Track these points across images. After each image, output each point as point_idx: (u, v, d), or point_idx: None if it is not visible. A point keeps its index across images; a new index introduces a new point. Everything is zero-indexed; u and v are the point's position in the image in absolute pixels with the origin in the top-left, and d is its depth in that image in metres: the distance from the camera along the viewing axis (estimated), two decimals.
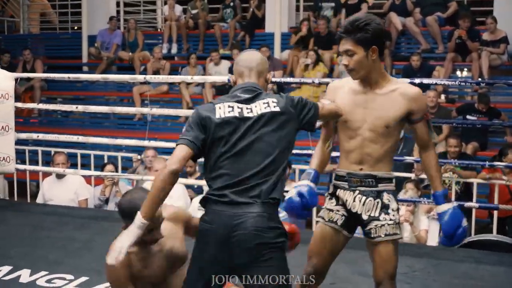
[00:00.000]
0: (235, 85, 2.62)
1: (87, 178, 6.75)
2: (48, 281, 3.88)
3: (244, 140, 2.44)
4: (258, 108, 2.48)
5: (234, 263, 2.41)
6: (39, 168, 7.10)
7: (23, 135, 6.17)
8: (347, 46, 2.70)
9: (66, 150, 7.25)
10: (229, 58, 10.01)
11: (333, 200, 2.89)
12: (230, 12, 11.35)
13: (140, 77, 7.44)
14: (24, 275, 3.96)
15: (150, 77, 7.75)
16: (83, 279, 3.90)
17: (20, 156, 6.52)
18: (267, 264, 2.40)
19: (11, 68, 9.79)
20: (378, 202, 2.78)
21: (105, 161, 7.27)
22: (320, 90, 8.96)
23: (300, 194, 2.82)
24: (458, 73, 10.13)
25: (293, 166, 6.73)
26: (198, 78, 7.98)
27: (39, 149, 8.08)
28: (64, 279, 3.90)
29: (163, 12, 12.70)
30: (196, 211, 6.02)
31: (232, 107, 2.48)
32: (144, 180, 6.33)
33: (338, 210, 2.87)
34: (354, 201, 2.81)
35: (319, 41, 9.94)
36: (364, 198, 2.80)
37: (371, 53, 2.69)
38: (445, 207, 2.84)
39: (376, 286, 2.86)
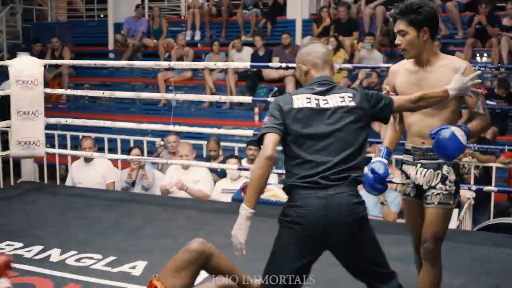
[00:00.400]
0: (306, 75, 2.67)
1: (114, 162, 6.81)
2: (77, 260, 3.91)
3: (324, 129, 2.51)
4: (334, 101, 2.55)
5: (329, 241, 2.50)
6: (68, 152, 7.18)
7: (52, 120, 6.21)
8: (400, 26, 2.86)
9: (93, 135, 7.32)
10: (251, 44, 9.99)
11: (403, 175, 3.07)
12: None
13: (164, 64, 7.46)
14: (54, 255, 4.01)
15: (174, 64, 7.75)
16: (110, 258, 3.93)
17: (49, 141, 6.57)
18: (362, 237, 2.53)
19: (40, 56, 9.88)
20: (438, 174, 2.91)
21: (131, 145, 7.31)
22: (340, 76, 8.92)
23: (372, 170, 2.97)
24: (478, 58, 10.00)
25: None
26: (221, 64, 7.99)
27: (68, 133, 8.16)
28: (93, 258, 3.93)
29: (186, 0, 12.69)
30: (219, 194, 6.06)
31: (310, 98, 2.55)
32: (169, 164, 6.39)
33: (408, 184, 3.03)
34: (416, 174, 2.96)
35: (339, 28, 9.86)
36: (425, 170, 2.93)
37: (422, 34, 2.82)
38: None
39: (422, 245, 2.95)
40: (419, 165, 2.95)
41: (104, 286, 3.50)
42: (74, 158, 6.99)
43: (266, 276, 2.60)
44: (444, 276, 3.54)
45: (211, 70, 9.73)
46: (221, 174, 6.53)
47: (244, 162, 6.29)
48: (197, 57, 10.48)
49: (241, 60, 9.48)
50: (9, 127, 5.89)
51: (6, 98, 5.89)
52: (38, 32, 12.74)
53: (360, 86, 8.56)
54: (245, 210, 2.48)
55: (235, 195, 5.69)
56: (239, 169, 5.83)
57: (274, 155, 2.46)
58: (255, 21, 10.93)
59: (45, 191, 5.94)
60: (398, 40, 2.89)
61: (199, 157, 6.99)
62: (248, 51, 9.88)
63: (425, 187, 2.93)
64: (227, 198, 5.82)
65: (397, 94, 2.97)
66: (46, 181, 7.46)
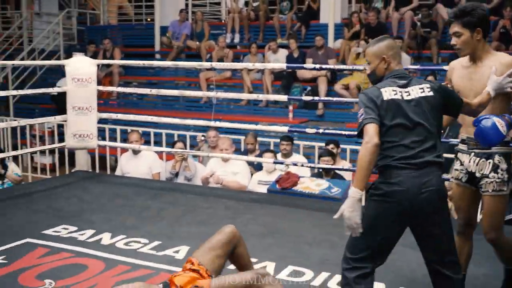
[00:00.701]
0: (388, 68, 2.72)
1: (159, 154, 6.88)
2: (126, 244, 3.95)
3: (410, 117, 2.59)
4: (415, 92, 2.64)
5: (416, 218, 2.61)
6: (118, 144, 7.27)
7: (104, 115, 6.29)
8: (455, 28, 2.96)
9: (140, 129, 7.41)
10: (286, 47, 9.97)
11: (458, 162, 3.15)
12: (287, 4, 11.32)
13: (207, 64, 7.51)
14: (105, 238, 4.06)
15: (216, 64, 7.79)
16: (156, 243, 3.97)
17: (101, 134, 6.68)
18: (444, 213, 2.68)
19: (93, 56, 10.02)
20: (489, 163, 2.99)
21: (175, 139, 7.38)
22: None
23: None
24: None
25: (343, 145, 6.70)
26: (259, 65, 8.00)
27: (117, 127, 8.27)
28: (140, 242, 3.97)
29: (227, 5, 12.73)
30: (256, 185, 6.08)
31: (395, 91, 2.62)
32: (210, 157, 6.42)
33: (462, 170, 3.12)
34: (469, 162, 3.06)
35: (369, 32, 9.75)
36: (477, 159, 3.02)
37: (476, 34, 2.93)
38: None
39: (484, 235, 3.09)
40: (472, 154, 3.05)
41: (150, 268, 3.52)
42: (123, 150, 7.09)
43: (354, 246, 2.66)
44: (469, 266, 3.49)
45: (249, 70, 9.74)
46: (257, 167, 6.54)
47: (279, 156, 6.29)
48: (236, 58, 10.50)
49: (277, 61, 9.47)
50: (65, 121, 5.99)
51: (63, 95, 5.99)
52: (91, 34, 12.93)
53: None
54: (356, 192, 2.51)
55: (270, 187, 5.69)
56: (275, 162, 5.83)
57: (379, 142, 2.52)
58: (290, 25, 10.91)
59: (97, 179, 6.01)
60: (454, 41, 2.98)
61: (237, 151, 7.02)
62: (283, 53, 9.86)
63: (477, 174, 3.02)
64: (263, 189, 5.83)
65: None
66: (97, 171, 7.58)
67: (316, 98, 8.17)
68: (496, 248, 3.13)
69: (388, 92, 2.61)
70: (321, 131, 6.09)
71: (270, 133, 7.65)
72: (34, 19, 13.19)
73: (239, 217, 4.67)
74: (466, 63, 3.09)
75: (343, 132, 5.82)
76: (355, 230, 2.55)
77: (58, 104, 9.97)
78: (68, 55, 10.25)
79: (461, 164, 3.13)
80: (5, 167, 6.41)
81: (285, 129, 5.78)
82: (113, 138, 8.31)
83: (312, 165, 5.99)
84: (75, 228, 4.26)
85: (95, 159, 7.76)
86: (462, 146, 3.14)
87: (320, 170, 5.97)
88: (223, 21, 13.41)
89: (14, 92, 6.30)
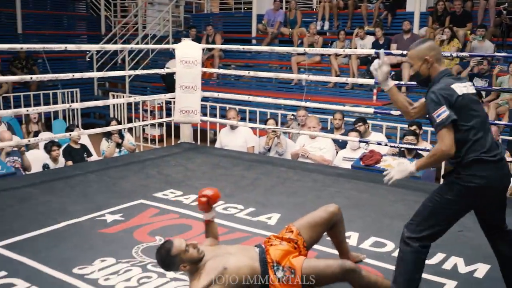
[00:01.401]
0: (431, 68, 2.59)
1: (254, 130, 6.94)
2: (224, 209, 4.02)
3: (479, 110, 2.53)
4: (470, 88, 2.54)
5: (490, 202, 2.60)
6: (217, 120, 7.40)
7: (206, 94, 6.41)
8: None
9: (237, 107, 7.49)
10: (372, 34, 9.67)
11: None
12: None
13: (300, 49, 7.43)
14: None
15: (308, 49, 7.69)
16: (251, 209, 4.02)
17: (202, 110, 6.82)
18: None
19: (196, 40, 10.20)
20: None
21: (268, 116, 7.40)
22: (453, 63, 8.42)
23: None
24: None
25: (424, 127, 6.47)
26: (348, 51, 7.83)
27: (217, 105, 8.42)
28: (236, 208, 4.04)
29: None
30: (341, 161, 6.00)
31: (464, 86, 2.51)
32: (299, 134, 6.40)
33: None
34: None
35: (454, 19, 9.29)
36: None
37: None
38: None
39: None
40: None
41: (245, 231, 3.57)
42: (222, 125, 7.21)
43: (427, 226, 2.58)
44: None
45: (337, 55, 9.57)
46: (342, 144, 6.44)
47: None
48: (325, 44, 10.33)
49: (364, 47, 9.25)
50: (173, 98, 6.16)
51: (171, 75, 6.14)
52: (196, 21, 13.15)
53: (471, 73, 8.05)
54: (413, 169, 2.56)
55: (354, 163, 5.60)
56: (360, 141, 5.72)
57: (453, 153, 2.45)
58: (377, 13, 10.58)
59: (199, 150, 6.14)
60: None
61: (324, 129, 6.95)
62: (370, 39, 9.58)
63: None
64: (348, 165, 5.74)
65: None
66: (199, 143, 7.76)
67: (402, 82, 7.90)
68: None
69: (459, 88, 2.48)
70: None
71: (355, 113, 7.51)
72: (148, 8, 13.58)
73: (325, 189, 4.64)
74: None
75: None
76: (393, 180, 2.61)
77: (167, 83, 10.29)
78: (176, 40, 10.52)
79: None
80: (122, 137, 6.71)
81: (370, 110, 5.64)
82: (213, 115, 8.48)
83: (395, 144, 5.83)
84: (181, 193, 4.39)
85: (197, 132, 7.94)
86: None
87: (403, 149, 5.80)
88: (314, 9, 13.23)
89: (130, 72, 6.55)
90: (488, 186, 2.47)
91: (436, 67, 2.59)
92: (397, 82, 7.77)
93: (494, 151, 2.48)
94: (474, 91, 2.54)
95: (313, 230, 2.82)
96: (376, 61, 2.83)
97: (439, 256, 3.22)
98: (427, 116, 2.57)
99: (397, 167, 2.59)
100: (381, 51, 2.93)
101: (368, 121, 6.65)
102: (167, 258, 2.53)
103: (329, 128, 7.06)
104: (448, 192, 2.54)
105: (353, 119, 7.23)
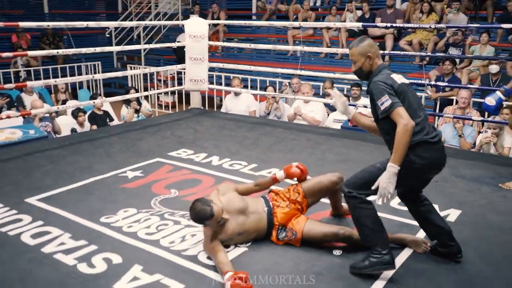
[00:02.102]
0: (372, 63, 2.46)
1: (255, 96, 6.88)
2: (230, 165, 4.03)
3: (415, 97, 2.44)
4: (404, 79, 2.44)
5: (428, 181, 2.56)
6: (223, 87, 7.33)
7: (213, 64, 6.34)
8: None
9: (240, 76, 7.41)
10: (360, 9, 9.47)
11: None
12: None
13: (295, 24, 7.29)
14: (214, 160, 4.16)
15: (303, 24, 7.55)
16: (253, 165, 4.03)
17: (209, 79, 6.75)
18: None
19: (202, 16, 9.98)
20: None
21: (267, 84, 7.34)
22: (431, 34, 8.27)
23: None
24: None
25: None
26: (339, 24, 7.71)
27: (222, 74, 8.33)
28: (241, 164, 4.05)
29: None
30: (331, 122, 5.97)
31: (400, 77, 2.43)
32: (294, 99, 6.35)
33: None
34: None
35: None
36: None
37: None
38: None
39: None
40: None
41: None
42: (227, 92, 7.15)
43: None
44: None
45: (328, 28, 9.40)
46: (332, 108, 6.39)
47: (351, 100, 6.13)
48: (317, 19, 10.14)
49: (352, 21, 9.08)
50: (184, 69, 6.09)
51: (182, 48, 6.05)
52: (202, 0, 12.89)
53: (447, 42, 7.91)
54: (394, 167, 2.27)
55: (344, 124, 5.58)
56: (349, 105, 5.66)
57: (414, 123, 2.29)
58: None
59: (207, 115, 6.11)
60: None
61: (316, 95, 6.89)
62: (357, 14, 9.40)
63: None
64: (337, 126, 5.72)
65: None
66: (207, 108, 7.73)
67: (385, 52, 7.79)
68: None
69: (397, 78, 2.39)
70: None
71: (344, 80, 7.43)
72: None
73: (317, 147, 4.63)
74: None
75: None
76: (385, 198, 2.30)
77: (177, 55, 10.16)
78: (185, 17, 10.33)
79: None
80: (140, 104, 6.67)
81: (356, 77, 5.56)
82: (218, 83, 8.40)
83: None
84: (192, 152, 4.39)
85: (205, 99, 7.89)
86: None
87: None
88: None
89: (146, 46, 6.43)
90: (429, 166, 2.39)
91: (376, 61, 2.47)
92: (386, 52, 7.78)
93: (433, 133, 2.38)
94: (407, 81, 2.44)
95: (317, 195, 2.82)
96: (335, 94, 2.70)
97: None
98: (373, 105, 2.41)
99: (382, 181, 2.29)
100: (334, 91, 2.80)
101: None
102: (201, 220, 2.50)
103: (321, 94, 7.00)
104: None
105: (343, 85, 7.18)
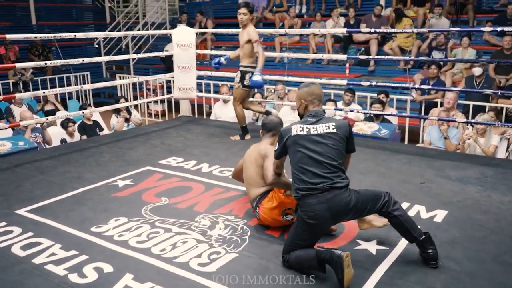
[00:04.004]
0: (306, 108, 2.63)
1: None
2: (220, 171, 4.03)
3: (309, 148, 2.47)
4: (321, 128, 2.50)
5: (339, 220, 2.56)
6: (211, 95, 7.33)
7: (201, 73, 6.33)
8: None
9: (228, 83, 7.40)
10: (345, 15, 9.55)
11: None
12: None
13: (281, 31, 7.31)
14: (204, 167, 4.14)
15: (289, 30, 7.58)
16: None
17: (198, 87, 6.74)
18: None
19: (189, 25, 9.98)
20: None
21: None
22: (411, 38, 8.38)
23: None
24: None
25: (390, 95, 6.47)
26: (324, 30, 7.77)
27: (211, 82, 8.32)
28: (230, 170, 3.94)
29: None
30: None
31: (302, 127, 2.52)
32: (283, 105, 6.36)
33: None
34: None
35: (415, 0, 9.23)
36: None
37: None
38: None
39: None
40: None
41: (239, 190, 3.57)
42: (215, 100, 7.15)
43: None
44: (496, 192, 3.33)
45: (314, 35, 9.45)
46: None
47: (339, 104, 6.16)
48: (303, 26, 10.19)
49: (337, 27, 9.15)
50: (172, 77, 6.08)
51: (170, 57, 6.04)
52: (189, 9, 12.87)
53: (430, 46, 7.99)
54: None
55: None
56: (335, 109, 5.70)
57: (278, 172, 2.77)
58: None
59: (196, 122, 6.09)
60: None
61: None
62: (342, 20, 9.48)
63: None
64: None
65: None
66: (196, 116, 7.71)
67: (370, 56, 7.87)
68: None
69: (296, 128, 2.52)
70: (374, 83, 5.87)
71: (330, 85, 7.47)
72: None
73: None
74: None
75: (391, 84, 5.61)
76: None
77: (166, 64, 10.14)
78: (173, 26, 10.30)
79: None
80: (130, 113, 6.64)
81: (344, 82, 5.61)
82: (207, 91, 8.38)
83: (366, 111, 5.83)
84: (182, 159, 4.37)
85: (194, 106, 7.88)
86: None
87: (372, 115, 5.80)
88: None
89: (134, 56, 6.39)
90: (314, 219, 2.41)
91: (309, 108, 2.62)
92: (370, 56, 7.86)
93: (316, 184, 2.41)
94: (318, 132, 2.48)
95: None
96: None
97: (404, 205, 3.25)
98: None
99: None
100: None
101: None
102: (274, 128, 3.10)
103: None
104: (298, 225, 2.50)
105: (330, 91, 7.21)
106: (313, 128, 2.51)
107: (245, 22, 4.76)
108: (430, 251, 2.48)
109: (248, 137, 5.08)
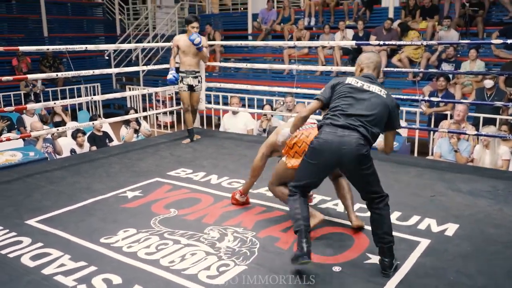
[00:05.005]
0: (361, 71, 2.76)
1: (252, 114, 6.90)
2: (229, 183, 4.01)
3: (359, 97, 2.60)
4: (373, 88, 2.62)
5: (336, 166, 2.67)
6: (220, 107, 7.35)
7: (210, 84, 6.36)
8: None
9: (238, 95, 7.43)
10: (353, 27, 9.58)
11: None
12: None
13: (290, 43, 7.35)
14: (213, 179, 4.13)
15: (297, 43, 7.61)
16: None
17: (207, 98, 6.77)
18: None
19: None
20: None
21: (264, 103, 7.36)
22: (420, 50, 8.38)
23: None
24: None
25: (399, 107, 6.43)
26: (333, 43, 7.76)
27: (220, 94, 8.35)
28: (239, 182, 3.98)
29: None
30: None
31: (357, 81, 2.65)
32: (292, 116, 6.34)
33: None
34: None
35: (424, 12, 9.23)
36: None
37: None
38: None
39: None
40: None
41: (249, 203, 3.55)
42: (224, 111, 7.17)
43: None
44: (508, 206, 3.27)
45: (323, 47, 9.48)
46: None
47: None
48: (312, 38, 10.24)
49: (346, 39, 9.17)
50: None
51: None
52: None
53: (440, 58, 7.98)
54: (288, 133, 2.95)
55: None
56: None
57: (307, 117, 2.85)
58: (357, 9, 10.46)
59: (205, 134, 6.09)
60: None
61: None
62: (350, 32, 9.51)
63: None
64: None
65: None
66: (205, 127, 7.72)
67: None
68: None
69: (351, 80, 2.64)
70: None
71: None
72: (156, 11, 13.42)
73: None
74: None
75: (400, 97, 5.56)
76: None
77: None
78: None
79: None
80: (139, 124, 6.68)
81: None
82: (216, 102, 8.41)
83: None
84: (191, 171, 4.37)
85: (203, 118, 7.90)
86: None
87: None
88: (301, 8, 13.05)
89: (144, 68, 6.43)
90: (322, 146, 2.54)
91: (364, 71, 2.75)
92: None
93: (343, 121, 2.51)
94: (370, 90, 2.59)
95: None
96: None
97: (415, 218, 3.22)
98: None
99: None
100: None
101: None
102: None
103: (317, 112, 7.01)
104: (307, 153, 2.67)
105: None
106: (367, 85, 2.63)
107: None
108: (387, 259, 2.50)
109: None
